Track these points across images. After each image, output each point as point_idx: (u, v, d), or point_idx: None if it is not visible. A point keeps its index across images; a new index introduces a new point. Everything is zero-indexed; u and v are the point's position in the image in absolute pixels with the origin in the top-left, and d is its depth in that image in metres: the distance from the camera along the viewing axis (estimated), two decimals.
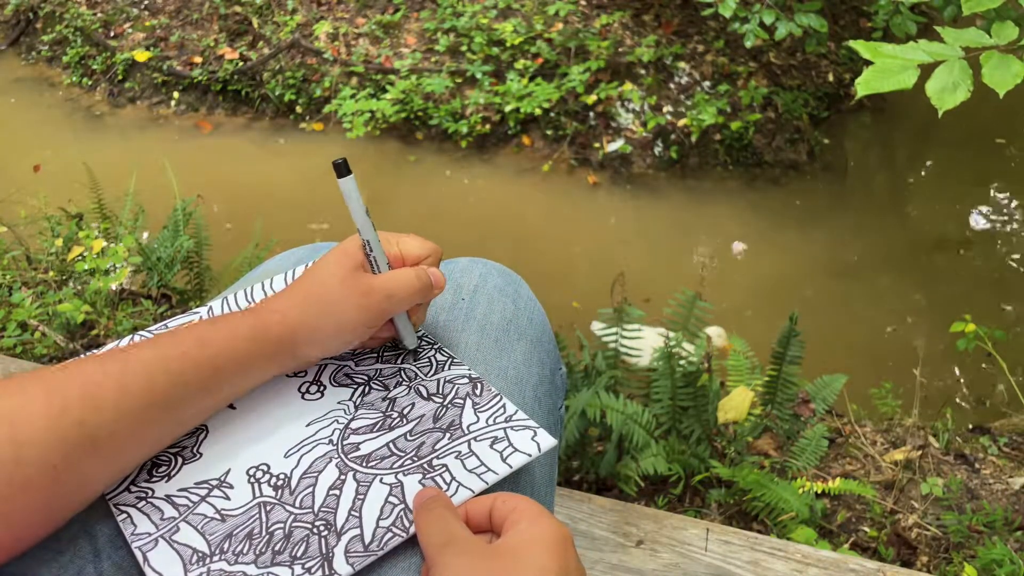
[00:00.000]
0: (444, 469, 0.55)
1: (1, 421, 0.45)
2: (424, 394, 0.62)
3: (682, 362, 1.58)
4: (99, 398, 0.48)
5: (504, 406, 0.60)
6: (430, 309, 0.70)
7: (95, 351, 0.59)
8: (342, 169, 0.57)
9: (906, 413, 1.86)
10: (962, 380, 2.37)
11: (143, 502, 0.53)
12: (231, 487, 0.55)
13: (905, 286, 2.76)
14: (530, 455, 0.57)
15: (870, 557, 1.41)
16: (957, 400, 2.30)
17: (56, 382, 0.48)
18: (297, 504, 0.54)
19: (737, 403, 1.55)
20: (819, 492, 1.50)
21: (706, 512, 1.49)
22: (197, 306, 0.83)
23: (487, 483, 0.54)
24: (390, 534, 0.51)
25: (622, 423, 1.50)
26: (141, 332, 0.66)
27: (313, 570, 0.50)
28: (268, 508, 0.54)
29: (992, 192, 3.23)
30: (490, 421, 0.59)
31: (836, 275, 2.80)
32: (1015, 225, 3.08)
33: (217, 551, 0.51)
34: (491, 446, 0.57)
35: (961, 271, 2.88)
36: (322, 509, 0.53)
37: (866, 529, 1.49)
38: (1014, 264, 2.89)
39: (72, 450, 0.46)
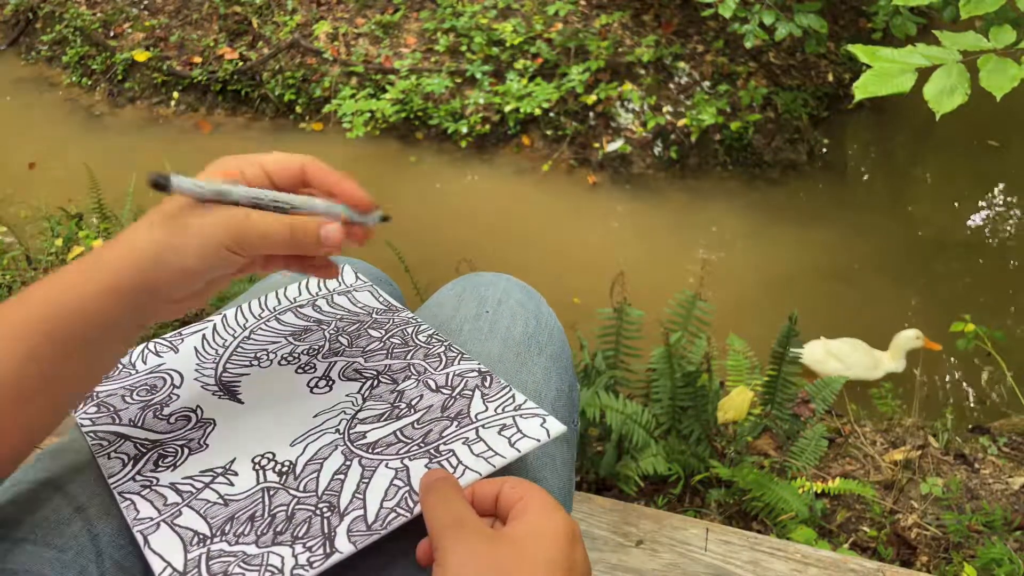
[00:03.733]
0: (451, 454, 0.55)
1: None
2: (433, 386, 0.62)
3: (682, 361, 1.59)
4: None
5: (513, 396, 0.60)
6: (454, 319, 0.70)
7: None
8: (162, 181, 0.50)
9: (906, 413, 1.86)
10: (962, 380, 2.37)
11: (147, 490, 0.54)
12: (235, 474, 0.55)
13: (905, 286, 2.77)
14: (539, 440, 0.56)
15: (870, 557, 1.42)
16: (957, 400, 2.31)
17: None
18: (301, 488, 0.54)
19: (737, 403, 1.55)
20: (819, 492, 1.50)
21: (706, 512, 1.49)
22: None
23: (494, 466, 0.54)
24: (393, 514, 0.51)
25: (622, 423, 1.50)
26: (156, 340, 0.67)
27: (314, 549, 0.49)
28: (272, 492, 0.53)
29: (991, 192, 3.24)
30: (498, 410, 0.59)
31: (835, 275, 2.81)
32: (1014, 225, 3.08)
33: (218, 532, 0.51)
34: (499, 432, 0.57)
35: (961, 271, 2.89)
36: (326, 492, 0.53)
37: (866, 529, 1.49)
38: (1013, 264, 2.90)
39: None
